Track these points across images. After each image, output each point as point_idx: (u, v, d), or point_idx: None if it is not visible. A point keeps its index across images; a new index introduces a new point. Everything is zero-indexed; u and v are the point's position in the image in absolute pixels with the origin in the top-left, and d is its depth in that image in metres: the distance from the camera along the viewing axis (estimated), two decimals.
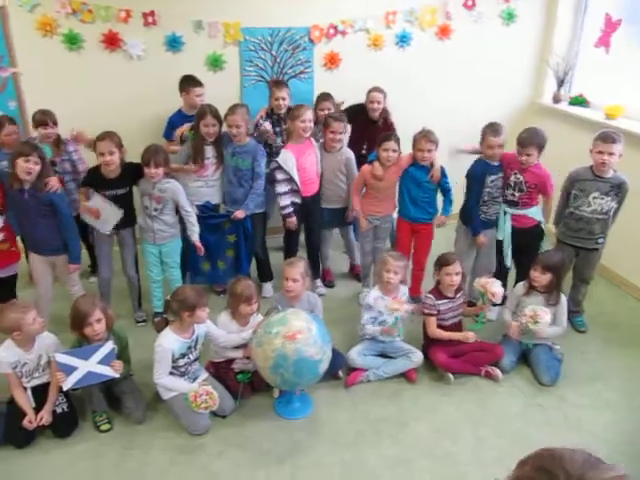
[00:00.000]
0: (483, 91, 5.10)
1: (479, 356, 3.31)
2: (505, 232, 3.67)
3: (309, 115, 3.82)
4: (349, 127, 4.24)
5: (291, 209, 3.94)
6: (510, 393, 3.22)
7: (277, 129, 4.26)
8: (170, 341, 2.93)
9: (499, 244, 3.78)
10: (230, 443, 2.85)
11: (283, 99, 4.22)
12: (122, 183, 3.56)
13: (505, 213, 3.67)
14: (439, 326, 3.35)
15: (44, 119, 3.80)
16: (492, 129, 3.56)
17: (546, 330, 3.23)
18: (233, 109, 3.81)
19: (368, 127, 4.28)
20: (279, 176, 3.86)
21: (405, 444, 2.86)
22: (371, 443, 2.86)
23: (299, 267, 3.21)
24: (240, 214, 3.87)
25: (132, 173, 3.58)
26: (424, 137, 3.63)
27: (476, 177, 3.66)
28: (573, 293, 3.80)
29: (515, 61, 5.14)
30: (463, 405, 3.13)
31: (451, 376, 3.25)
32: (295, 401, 3.06)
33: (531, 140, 3.48)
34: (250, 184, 3.90)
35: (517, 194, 3.61)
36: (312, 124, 3.87)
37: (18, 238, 3.57)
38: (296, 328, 2.78)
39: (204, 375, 3.11)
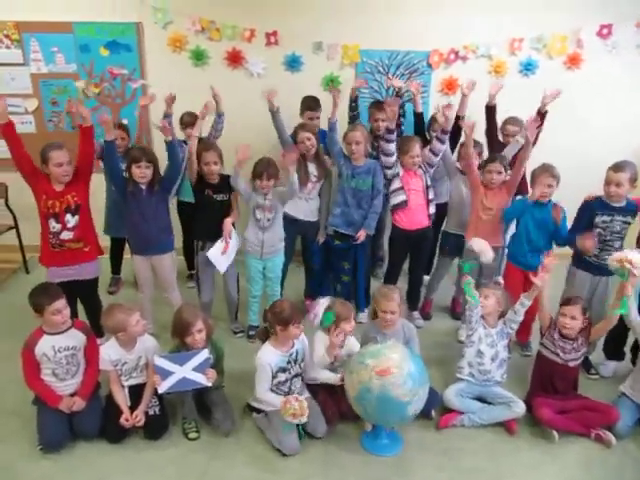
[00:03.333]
0: (614, 125, 4.74)
1: (590, 417, 2.99)
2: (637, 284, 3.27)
3: (417, 151, 3.75)
4: None
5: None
6: (623, 463, 2.87)
7: (374, 144, 4.22)
8: (268, 355, 2.94)
9: None
10: (314, 470, 2.77)
11: (383, 120, 4.19)
12: (224, 190, 3.69)
13: None
14: (549, 360, 3.11)
15: (191, 120, 4.09)
16: (614, 164, 3.29)
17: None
18: (353, 126, 3.83)
19: None
20: (398, 184, 3.83)
21: None
22: None
23: (395, 299, 3.11)
24: (363, 235, 3.86)
25: (228, 183, 3.68)
26: (545, 171, 3.43)
27: (582, 208, 3.42)
28: None
29: None
30: (567, 468, 2.83)
31: (556, 434, 2.96)
32: (383, 437, 2.93)
33: None
34: (369, 205, 3.87)
35: None
36: (420, 158, 3.78)
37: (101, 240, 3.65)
38: (387, 365, 2.67)
39: (306, 394, 3.07)
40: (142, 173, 3.41)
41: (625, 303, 2.98)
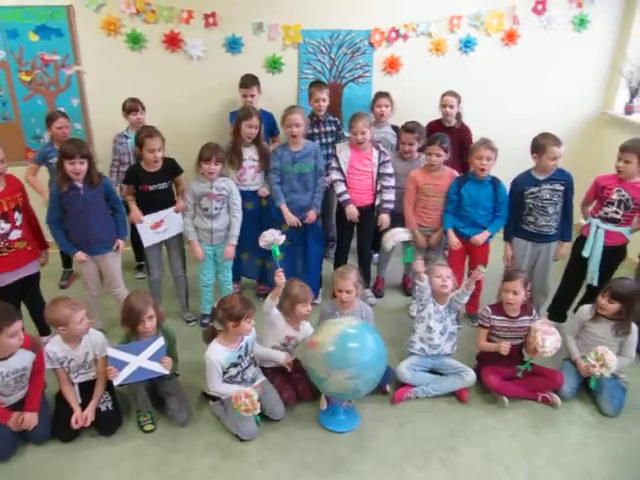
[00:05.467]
0: (549, 99, 4.91)
1: (537, 382, 3.12)
2: (596, 247, 3.47)
3: (361, 127, 3.73)
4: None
5: (348, 196, 3.85)
6: (569, 422, 3.03)
7: (315, 130, 4.22)
8: (217, 353, 2.89)
9: (574, 262, 3.62)
10: (273, 453, 2.79)
11: (324, 100, 4.21)
12: (163, 177, 3.58)
13: (598, 228, 3.46)
14: (490, 341, 3.23)
15: (135, 106, 4.00)
16: (554, 139, 3.39)
17: (616, 364, 3.00)
18: (292, 109, 3.76)
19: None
20: (334, 164, 3.85)
21: (453, 469, 2.72)
22: (417, 465, 2.73)
23: (351, 278, 3.13)
24: (313, 215, 3.86)
25: (171, 168, 3.62)
26: (483, 144, 3.50)
27: (511, 189, 3.56)
28: None
29: (585, 69, 4.92)
30: (517, 431, 2.95)
31: (506, 399, 3.08)
32: (341, 413, 2.97)
33: (633, 146, 3.29)
34: (315, 186, 3.87)
35: (622, 211, 3.41)
36: (365, 135, 3.75)
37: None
38: (318, 339, 2.80)
39: (261, 378, 3.07)
40: (76, 170, 3.18)
41: (526, 364, 3.11)
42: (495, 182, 3.58)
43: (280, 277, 3.03)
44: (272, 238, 3.15)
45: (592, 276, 3.53)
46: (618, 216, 3.42)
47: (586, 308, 3.26)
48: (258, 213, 3.95)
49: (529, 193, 3.49)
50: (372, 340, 2.76)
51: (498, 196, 3.57)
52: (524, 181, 3.51)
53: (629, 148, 3.29)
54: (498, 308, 3.22)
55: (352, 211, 3.86)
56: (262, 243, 3.20)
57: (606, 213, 3.45)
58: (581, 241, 3.55)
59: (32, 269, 3.36)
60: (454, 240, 3.66)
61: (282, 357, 3.07)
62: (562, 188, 3.45)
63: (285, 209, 3.84)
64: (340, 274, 3.18)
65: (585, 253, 3.50)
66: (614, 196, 3.40)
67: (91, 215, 3.33)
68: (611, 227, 3.43)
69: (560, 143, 3.37)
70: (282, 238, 3.16)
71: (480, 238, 3.60)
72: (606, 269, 3.49)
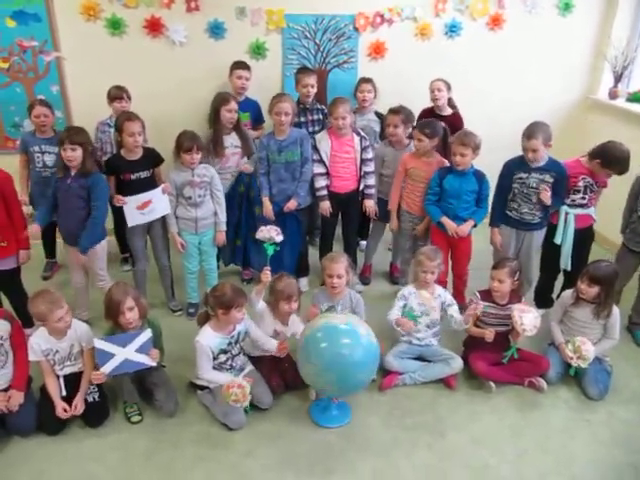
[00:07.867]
0: (534, 84, 4.89)
1: (523, 367, 3.15)
2: (568, 233, 3.49)
3: (341, 113, 3.67)
4: None
5: (325, 192, 3.84)
6: (555, 406, 3.06)
7: (302, 119, 4.15)
8: (208, 337, 2.89)
9: (548, 249, 3.62)
10: (261, 442, 2.78)
11: (312, 87, 4.13)
12: (145, 166, 3.51)
13: (568, 214, 3.48)
14: (477, 327, 3.24)
15: (120, 93, 3.93)
16: (527, 131, 3.36)
17: (593, 354, 3.04)
18: (281, 97, 3.69)
19: None
20: (315, 156, 3.80)
21: (441, 454, 2.74)
22: (405, 451, 2.74)
23: (342, 262, 3.13)
24: (292, 205, 3.81)
25: (152, 157, 3.57)
26: (457, 139, 3.46)
27: (502, 172, 3.55)
28: (637, 304, 3.62)
29: (570, 54, 4.90)
30: (504, 416, 2.98)
31: (492, 385, 3.10)
32: (333, 408, 2.94)
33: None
34: (301, 174, 3.82)
35: (587, 196, 3.47)
36: (346, 121, 3.70)
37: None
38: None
39: (249, 367, 3.07)
40: (67, 156, 3.15)
41: (511, 350, 3.12)
42: (479, 175, 3.53)
43: (266, 276, 3.03)
44: (268, 235, 3.10)
45: (565, 261, 3.57)
46: (585, 201, 3.49)
47: (568, 293, 3.28)
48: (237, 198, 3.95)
49: (517, 178, 3.48)
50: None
51: (482, 190, 3.54)
52: (515, 165, 3.49)
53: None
54: (487, 294, 3.23)
55: (325, 207, 3.85)
56: (258, 235, 3.16)
57: (573, 200, 3.49)
58: (551, 229, 3.58)
59: (6, 265, 3.27)
60: (451, 224, 3.54)
61: (274, 346, 3.04)
62: (551, 180, 3.42)
63: (266, 202, 3.81)
64: (330, 258, 3.17)
65: (557, 240, 3.53)
66: (580, 184, 3.45)
67: (73, 206, 3.27)
68: (579, 211, 3.48)
69: (532, 136, 3.31)
70: (279, 238, 3.11)
71: (466, 228, 3.55)
72: (580, 252, 3.54)
